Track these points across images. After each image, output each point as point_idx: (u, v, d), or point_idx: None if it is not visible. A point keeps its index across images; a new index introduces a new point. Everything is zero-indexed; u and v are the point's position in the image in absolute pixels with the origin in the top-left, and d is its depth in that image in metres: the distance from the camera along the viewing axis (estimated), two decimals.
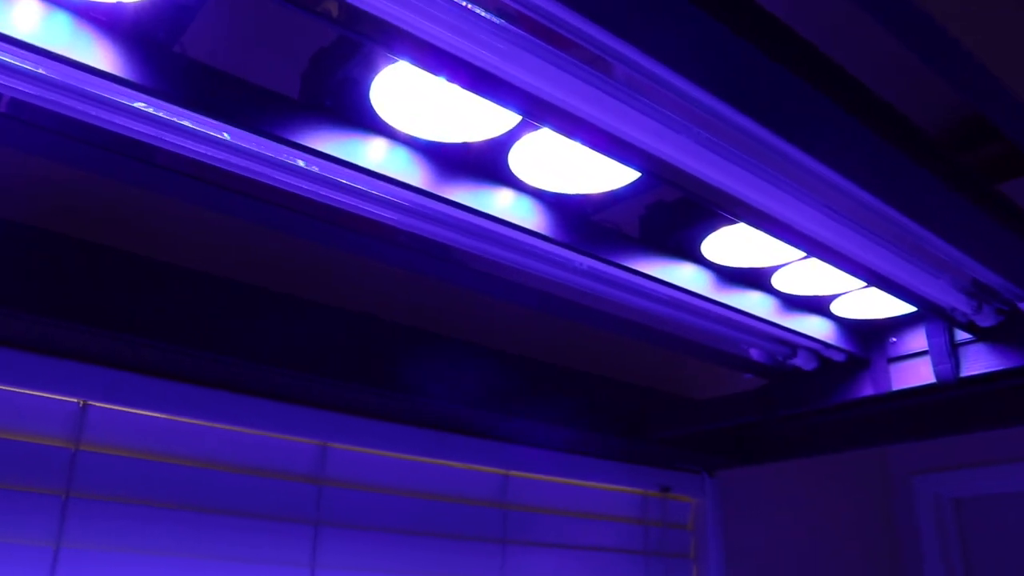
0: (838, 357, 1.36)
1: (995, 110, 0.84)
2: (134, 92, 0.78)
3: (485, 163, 0.94)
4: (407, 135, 0.89)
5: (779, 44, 0.76)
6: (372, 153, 0.89)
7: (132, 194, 1.13)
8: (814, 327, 1.29)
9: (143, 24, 0.76)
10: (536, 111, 0.79)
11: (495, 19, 0.69)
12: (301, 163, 0.90)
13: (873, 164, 0.86)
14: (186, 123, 0.84)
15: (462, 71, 0.74)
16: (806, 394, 1.44)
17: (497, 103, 0.78)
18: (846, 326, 1.33)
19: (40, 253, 1.16)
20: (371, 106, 0.84)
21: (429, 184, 0.93)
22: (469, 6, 0.68)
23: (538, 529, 1.67)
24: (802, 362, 1.38)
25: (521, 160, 0.93)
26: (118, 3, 0.72)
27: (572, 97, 0.78)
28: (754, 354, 1.39)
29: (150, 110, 0.82)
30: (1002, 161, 1.02)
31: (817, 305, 1.27)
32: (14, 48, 0.72)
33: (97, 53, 0.75)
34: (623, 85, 0.77)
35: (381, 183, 0.92)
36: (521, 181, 0.96)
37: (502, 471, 1.66)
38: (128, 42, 0.76)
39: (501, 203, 0.98)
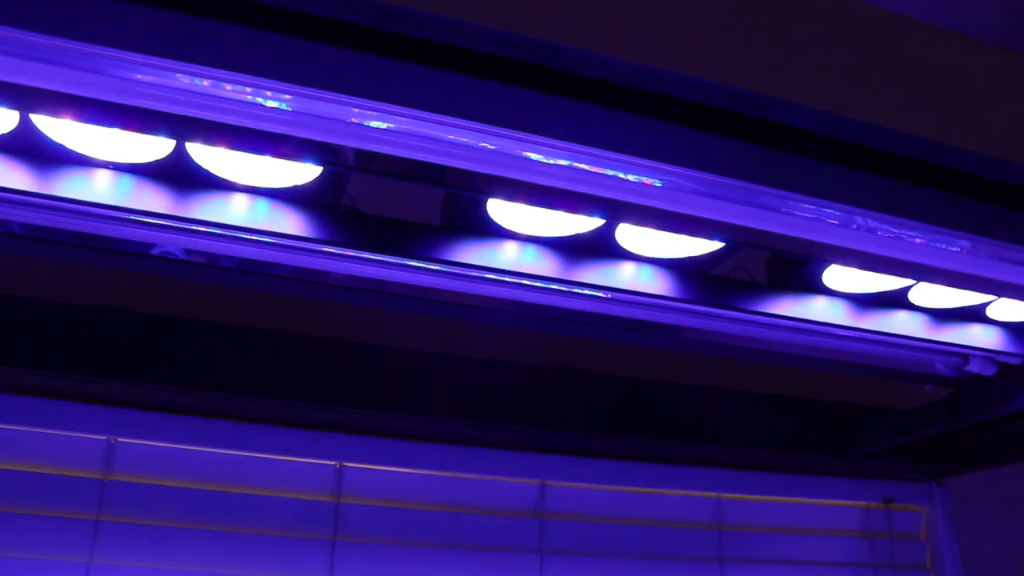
0: (1014, 361, 1.37)
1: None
2: (318, 245, 1.05)
3: (598, 245, 1.12)
4: (528, 235, 1.09)
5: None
6: (505, 255, 1.10)
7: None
8: (975, 336, 1.31)
9: (312, 194, 1.03)
10: (619, 215, 0.97)
11: (567, 163, 0.88)
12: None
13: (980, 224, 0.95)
14: (363, 255, 1.10)
15: (553, 200, 0.93)
16: (992, 399, 1.44)
17: (585, 215, 0.97)
18: (1012, 329, 1.33)
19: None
20: (492, 219, 1.06)
21: (560, 272, 1.12)
22: (546, 160, 0.87)
23: (758, 547, 1.78)
24: (979, 368, 1.39)
25: (628, 238, 1.10)
26: (293, 186, 1.00)
27: (647, 199, 0.94)
28: (925, 367, 1.42)
29: (330, 250, 1.09)
30: None
31: (971, 314, 1.29)
32: (233, 230, 1.02)
33: (289, 222, 1.03)
34: (689, 183, 0.92)
35: (522, 277, 1.13)
36: (635, 254, 1.13)
37: (715, 495, 1.78)
38: (307, 208, 1.04)
39: (627, 276, 1.15)
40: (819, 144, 0.90)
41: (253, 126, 0.83)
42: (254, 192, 1.02)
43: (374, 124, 0.82)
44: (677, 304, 1.21)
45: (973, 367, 1.39)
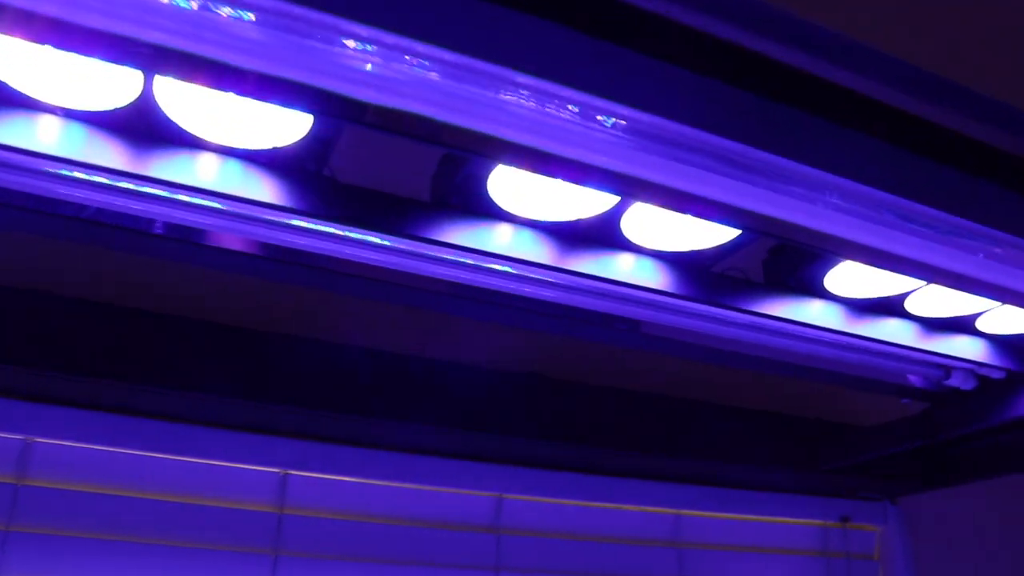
0: (996, 375, 1.34)
1: None
2: (295, 215, 0.94)
3: (602, 234, 1.04)
4: (527, 219, 1.00)
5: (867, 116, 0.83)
6: (498, 238, 1.00)
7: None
8: (962, 347, 1.28)
9: (295, 159, 0.91)
10: (633, 192, 0.88)
11: (584, 123, 0.79)
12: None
13: (992, 206, 0.90)
14: (338, 232, 0.99)
15: (563, 168, 0.84)
16: (969, 414, 1.42)
17: (597, 189, 0.88)
18: (999, 343, 1.31)
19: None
20: (491, 198, 0.96)
21: (555, 260, 1.03)
22: (564, 116, 0.78)
23: (716, 565, 1.71)
24: (959, 382, 1.36)
25: (633, 226, 1.02)
26: (274, 148, 0.88)
27: (665, 175, 0.86)
28: (907, 379, 1.39)
29: (309, 225, 0.97)
30: None
31: (961, 325, 1.26)
32: (198, 193, 0.90)
33: (263, 189, 0.91)
34: (712, 159, 0.84)
35: (513, 263, 1.03)
36: (637, 245, 1.05)
37: (674, 511, 1.72)
38: (286, 175, 0.92)
39: (623, 267, 1.07)
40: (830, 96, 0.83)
41: (233, 61, 0.71)
42: (227, 153, 0.89)
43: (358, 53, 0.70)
44: (669, 300, 1.14)
45: (954, 380, 1.36)
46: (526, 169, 0.87)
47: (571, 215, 0.98)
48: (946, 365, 1.33)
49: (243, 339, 1.37)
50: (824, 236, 0.96)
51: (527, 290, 1.11)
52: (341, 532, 1.42)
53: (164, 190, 0.90)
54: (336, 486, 1.44)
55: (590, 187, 0.89)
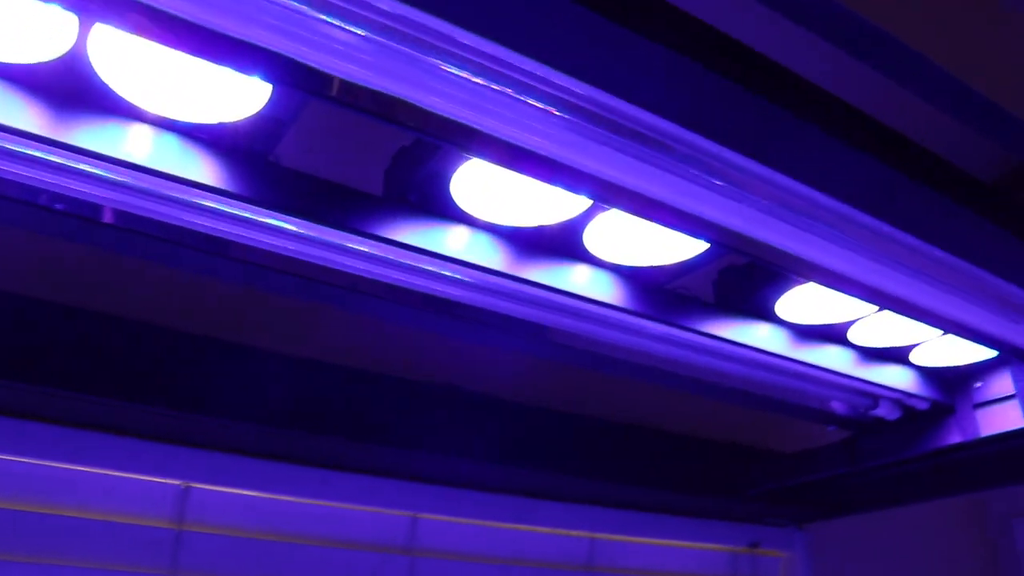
0: (921, 405, 1.36)
1: None
2: (233, 200, 0.84)
3: (562, 243, 0.98)
4: (487, 222, 0.93)
5: (832, 116, 0.80)
6: (454, 241, 0.93)
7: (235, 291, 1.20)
8: (894, 377, 1.29)
9: (242, 139, 0.82)
10: (605, 195, 0.83)
11: (561, 113, 0.73)
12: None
13: (942, 222, 0.89)
14: (281, 224, 0.90)
15: (534, 164, 0.78)
16: (891, 444, 1.44)
17: (569, 190, 0.82)
18: (928, 374, 1.33)
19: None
20: (452, 198, 0.89)
21: (510, 267, 0.97)
22: (532, 102, 0.72)
23: None
24: (885, 412, 1.37)
25: (595, 238, 0.97)
26: (220, 123, 0.79)
27: (638, 179, 0.81)
28: (836, 407, 1.39)
29: (248, 215, 0.88)
30: None
31: (896, 355, 1.27)
32: (128, 170, 0.79)
33: (202, 169, 0.82)
34: (684, 164, 0.80)
35: (465, 268, 0.96)
36: (596, 257, 1.00)
37: (589, 534, 1.67)
38: (229, 155, 0.83)
39: (579, 279, 1.02)
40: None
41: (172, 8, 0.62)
42: (164, 125, 0.80)
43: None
44: (612, 315, 1.09)
45: (880, 410, 1.37)
46: (472, 154, 0.80)
47: (533, 221, 0.93)
48: (875, 394, 1.34)
49: (142, 335, 1.24)
50: (792, 256, 0.94)
51: (474, 297, 1.05)
52: (245, 551, 1.30)
53: (82, 161, 0.79)
54: (240, 501, 1.33)
55: (562, 187, 0.83)
